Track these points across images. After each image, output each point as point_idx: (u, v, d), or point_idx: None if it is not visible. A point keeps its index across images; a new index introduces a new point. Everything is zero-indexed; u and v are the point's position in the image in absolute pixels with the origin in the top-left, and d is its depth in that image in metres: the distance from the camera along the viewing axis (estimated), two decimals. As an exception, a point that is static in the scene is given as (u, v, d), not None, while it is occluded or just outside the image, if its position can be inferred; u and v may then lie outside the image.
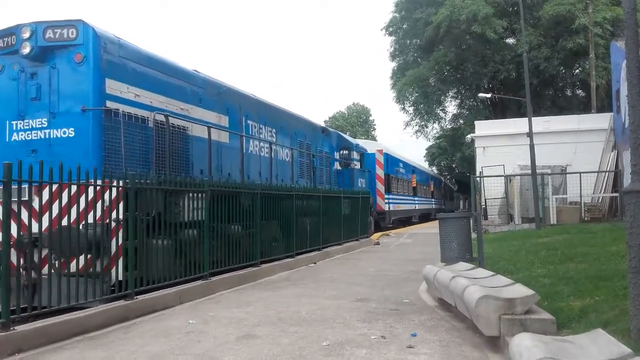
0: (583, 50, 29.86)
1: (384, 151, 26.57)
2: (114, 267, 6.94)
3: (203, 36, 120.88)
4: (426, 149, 59.65)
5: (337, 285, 9.02)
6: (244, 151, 11.38)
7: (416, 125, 43.61)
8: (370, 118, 76.43)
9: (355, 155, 19.91)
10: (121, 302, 6.56)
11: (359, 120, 72.23)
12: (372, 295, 7.94)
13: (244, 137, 11.47)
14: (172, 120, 8.95)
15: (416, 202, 35.02)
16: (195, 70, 10.65)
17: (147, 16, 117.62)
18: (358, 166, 20.04)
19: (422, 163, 48.59)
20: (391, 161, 27.73)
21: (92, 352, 5.05)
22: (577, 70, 35.28)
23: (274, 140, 13.21)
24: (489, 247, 10.84)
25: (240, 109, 11.58)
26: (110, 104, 7.95)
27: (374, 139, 60.82)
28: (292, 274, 10.60)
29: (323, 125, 17.28)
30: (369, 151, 23.99)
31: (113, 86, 8.04)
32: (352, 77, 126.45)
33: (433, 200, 43.80)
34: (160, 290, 7.32)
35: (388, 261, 12.64)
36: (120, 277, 6.79)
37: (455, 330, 5.66)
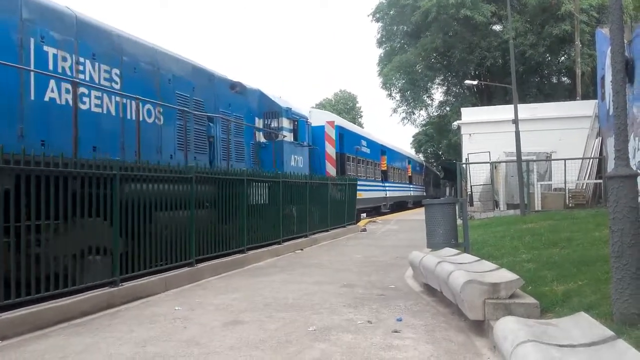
0: (569, 37, 30.07)
1: (336, 123, 20.65)
2: None
3: (197, 31, 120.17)
4: (413, 136, 59.97)
5: (324, 271, 9.05)
6: (41, 100, 6.93)
7: (403, 112, 43.75)
8: (357, 105, 76.37)
9: (285, 123, 14.43)
10: (106, 289, 6.52)
11: (345, 107, 72.04)
12: (358, 281, 7.98)
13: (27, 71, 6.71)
14: None
15: (387, 188, 29.44)
16: None
17: (147, 16, 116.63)
18: (290, 138, 14.67)
19: (399, 144, 43.17)
20: (348, 137, 22.45)
21: (77, 338, 5.03)
22: (563, 58, 35.58)
23: (119, 87, 8.25)
24: (474, 233, 10.92)
25: (23, 24, 6.78)
26: None
27: (360, 125, 59.29)
28: (278, 261, 10.61)
29: (236, 80, 12.52)
30: (315, 122, 18.74)
31: None
32: (339, 65, 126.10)
33: (411, 186, 38.49)
34: (146, 277, 7.28)
35: (374, 247, 12.70)
36: None
37: (440, 315, 5.71)
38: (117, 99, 8.19)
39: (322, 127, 19.64)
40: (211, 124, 10.99)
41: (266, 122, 13.96)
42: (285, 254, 11.50)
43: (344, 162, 21.47)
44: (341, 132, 21.22)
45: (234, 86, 12.40)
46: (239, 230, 9.94)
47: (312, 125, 18.10)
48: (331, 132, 20.04)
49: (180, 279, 7.83)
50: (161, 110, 9.31)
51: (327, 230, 15.08)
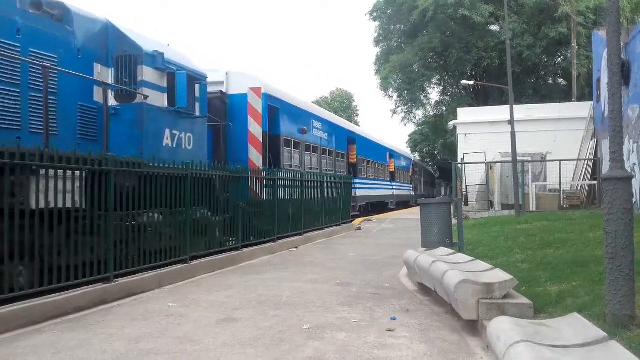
0: (565, 39, 30.18)
1: (263, 91, 13.37)
2: None
3: (197, 31, 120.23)
4: (409, 135, 60.09)
5: (318, 269, 9.04)
6: None
7: (402, 112, 43.76)
8: (354, 104, 76.39)
9: (150, 76, 8.89)
10: (100, 285, 6.49)
11: (342, 105, 72.01)
12: (353, 279, 7.98)
13: None
14: None
15: (356, 186, 22.57)
16: None
17: (147, 16, 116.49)
18: (162, 102, 9.18)
19: (397, 144, 38.14)
20: (287, 113, 15.31)
21: (70, 334, 5.01)
22: (559, 59, 35.70)
23: None
24: (469, 233, 10.95)
25: None
26: None
27: (357, 124, 57.17)
28: (273, 258, 10.60)
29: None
30: (236, 90, 13.19)
31: None
32: (336, 63, 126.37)
33: (394, 184, 32.31)
34: (140, 274, 7.27)
35: (369, 246, 12.71)
36: None
37: (434, 315, 5.72)
38: None
39: (244, 95, 13.28)
40: None
41: (120, 74, 8.70)
42: (280, 252, 11.49)
43: (278, 148, 14.65)
44: (274, 105, 14.21)
45: (39, 4, 7.32)
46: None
47: (230, 93, 13.20)
48: (257, 104, 13.37)
49: (174, 276, 7.81)
50: None
51: (321, 229, 15.07)
